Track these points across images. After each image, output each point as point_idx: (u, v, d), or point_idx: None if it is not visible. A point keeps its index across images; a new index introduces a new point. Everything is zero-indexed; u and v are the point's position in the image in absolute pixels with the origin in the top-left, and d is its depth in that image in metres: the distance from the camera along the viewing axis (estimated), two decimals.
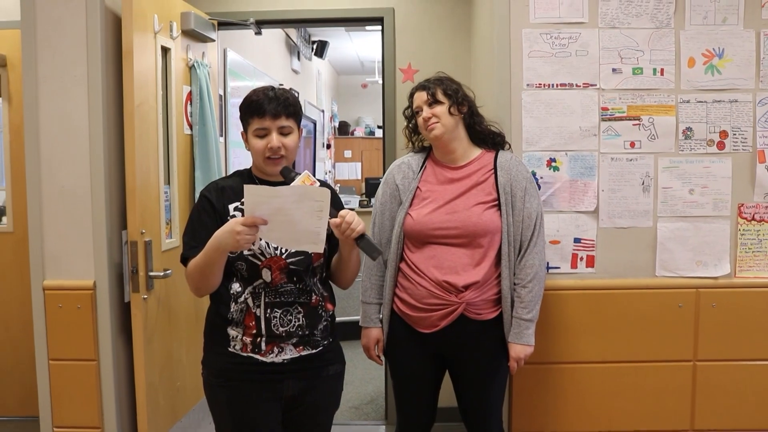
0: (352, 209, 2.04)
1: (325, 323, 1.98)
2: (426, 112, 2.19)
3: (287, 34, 6.30)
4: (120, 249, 2.62)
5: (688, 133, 2.49)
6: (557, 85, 2.48)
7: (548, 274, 2.46)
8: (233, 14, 3.47)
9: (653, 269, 2.52)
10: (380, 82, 3.77)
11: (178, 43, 2.93)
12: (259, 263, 1.89)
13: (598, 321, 2.50)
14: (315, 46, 7.39)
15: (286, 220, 1.74)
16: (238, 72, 4.50)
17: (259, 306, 1.89)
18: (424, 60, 3.48)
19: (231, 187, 1.95)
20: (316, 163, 7.44)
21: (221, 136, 3.77)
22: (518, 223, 2.18)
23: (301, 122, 2.00)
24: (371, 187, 8.92)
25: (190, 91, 3.06)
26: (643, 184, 2.49)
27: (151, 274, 2.60)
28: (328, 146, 9.06)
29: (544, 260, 2.26)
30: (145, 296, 2.58)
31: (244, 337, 1.90)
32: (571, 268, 2.52)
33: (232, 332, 1.91)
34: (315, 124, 7.46)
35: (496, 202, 2.18)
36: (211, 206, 1.92)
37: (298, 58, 6.86)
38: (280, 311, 1.90)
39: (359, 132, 10.35)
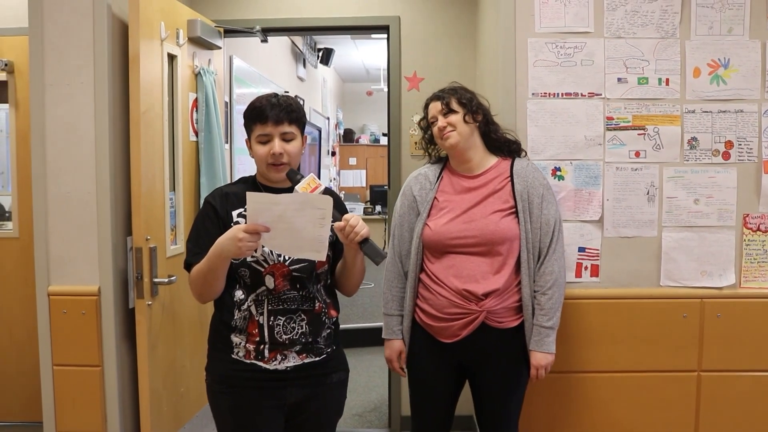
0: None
1: (328, 330, 1.98)
2: (441, 121, 2.20)
3: (293, 42, 6.33)
4: (125, 255, 2.63)
5: (694, 143, 2.48)
6: (562, 95, 2.48)
7: None
8: (239, 22, 3.48)
9: (658, 279, 2.51)
10: (385, 89, 3.78)
11: (185, 51, 2.94)
12: (262, 270, 1.89)
13: (602, 330, 2.49)
14: (320, 54, 7.42)
15: (288, 228, 1.73)
16: (244, 79, 4.52)
17: (262, 313, 1.89)
18: (430, 68, 3.49)
19: (235, 193, 1.95)
20: (321, 170, 7.45)
21: (226, 143, 3.78)
22: (536, 230, 2.18)
23: (306, 129, 2.00)
24: (376, 194, 8.92)
25: (196, 98, 3.07)
26: (648, 193, 2.49)
27: (156, 280, 2.61)
28: (333, 153, 9.07)
29: (564, 267, 2.25)
30: (150, 302, 2.59)
31: (247, 344, 1.90)
32: (575, 278, 2.51)
33: (235, 339, 1.91)
34: (320, 132, 7.47)
35: (514, 210, 2.18)
36: (214, 213, 1.93)
37: (304, 66, 6.88)
38: (283, 318, 1.89)
39: (364, 139, 10.37)
